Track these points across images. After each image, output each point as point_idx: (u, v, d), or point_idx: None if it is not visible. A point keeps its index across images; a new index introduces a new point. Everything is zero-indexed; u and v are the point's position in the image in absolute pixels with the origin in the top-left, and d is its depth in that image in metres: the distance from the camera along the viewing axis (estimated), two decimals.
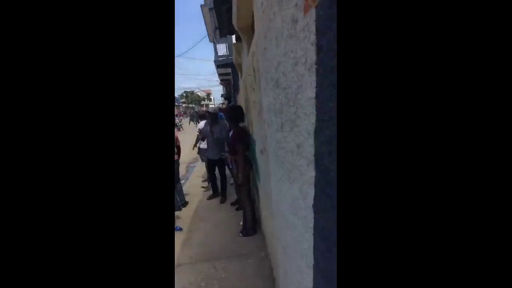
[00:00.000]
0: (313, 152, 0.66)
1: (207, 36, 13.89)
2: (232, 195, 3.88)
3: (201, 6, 10.37)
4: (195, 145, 4.25)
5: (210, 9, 9.58)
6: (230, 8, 3.03)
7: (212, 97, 54.15)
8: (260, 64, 1.29)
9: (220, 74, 12.93)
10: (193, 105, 46.64)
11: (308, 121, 0.67)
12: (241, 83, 3.98)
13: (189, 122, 24.24)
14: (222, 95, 19.89)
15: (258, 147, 1.93)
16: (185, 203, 3.70)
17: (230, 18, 3.28)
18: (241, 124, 2.67)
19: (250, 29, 2.88)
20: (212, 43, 11.81)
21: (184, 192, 3.91)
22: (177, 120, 19.01)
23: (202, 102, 50.01)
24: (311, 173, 0.69)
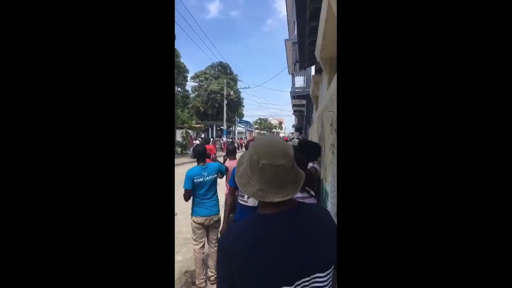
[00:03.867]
0: None
1: (287, 69, 14.53)
2: None
3: (285, 40, 10.99)
4: None
5: (293, 43, 10.04)
6: (314, 41, 3.02)
7: (283, 126, 55.45)
8: None
9: (294, 105, 13.25)
10: (265, 132, 48.65)
11: None
12: (315, 116, 3.71)
13: None
14: (293, 126, 19.92)
15: (330, 202, 1.54)
16: None
17: (312, 51, 3.26)
18: (312, 164, 2.19)
19: (333, 61, 2.71)
20: (290, 76, 12.20)
21: None
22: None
23: (273, 130, 51.72)
24: None
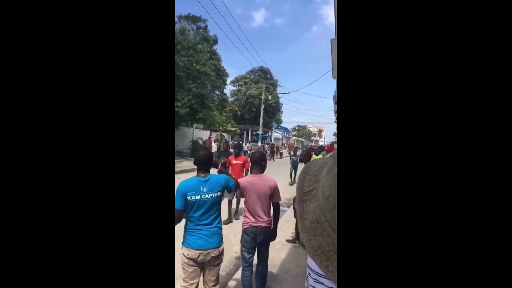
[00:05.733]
0: None
1: (331, 72, 13.44)
2: None
3: (331, 40, 10.13)
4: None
5: None
6: None
7: (323, 134, 53.07)
8: None
9: (336, 111, 12.05)
10: (303, 139, 47.07)
11: None
12: None
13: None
14: (334, 134, 18.53)
15: None
16: None
17: None
18: None
19: None
20: (333, 80, 11.22)
21: None
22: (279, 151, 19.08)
23: (312, 138, 49.76)
24: None
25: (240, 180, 2.01)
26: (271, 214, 2.06)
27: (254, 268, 2.09)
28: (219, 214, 1.70)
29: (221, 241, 1.69)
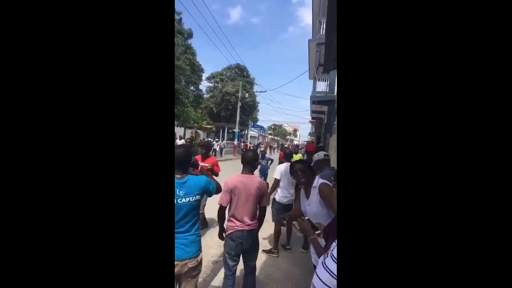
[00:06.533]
0: None
1: (308, 73, 13.66)
2: None
3: (309, 41, 10.26)
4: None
5: (317, 44, 9.23)
6: None
7: (298, 133, 54.25)
8: None
9: (313, 111, 12.31)
10: (278, 138, 47.59)
11: None
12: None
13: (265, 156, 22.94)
14: (309, 134, 18.97)
15: None
16: None
17: None
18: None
19: None
20: (308, 82, 11.44)
21: None
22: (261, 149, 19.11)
23: (288, 137, 50.60)
24: None
25: (230, 180, 1.80)
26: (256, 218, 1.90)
27: (236, 276, 1.92)
28: (198, 220, 1.51)
29: (199, 250, 1.50)
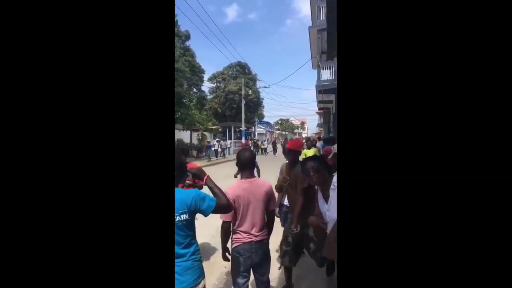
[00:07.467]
0: None
1: (310, 62, 13.19)
2: None
3: (309, 28, 9.83)
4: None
5: (319, 31, 8.80)
6: None
7: (306, 126, 53.55)
8: None
9: (320, 101, 11.84)
10: (286, 133, 47.08)
11: None
12: None
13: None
14: (317, 125, 18.50)
15: None
16: None
17: None
18: None
19: None
20: (313, 72, 11.01)
21: None
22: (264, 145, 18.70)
23: (295, 131, 50.00)
24: None
25: (230, 189, 1.49)
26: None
27: None
28: (192, 240, 1.22)
29: (200, 277, 1.22)
